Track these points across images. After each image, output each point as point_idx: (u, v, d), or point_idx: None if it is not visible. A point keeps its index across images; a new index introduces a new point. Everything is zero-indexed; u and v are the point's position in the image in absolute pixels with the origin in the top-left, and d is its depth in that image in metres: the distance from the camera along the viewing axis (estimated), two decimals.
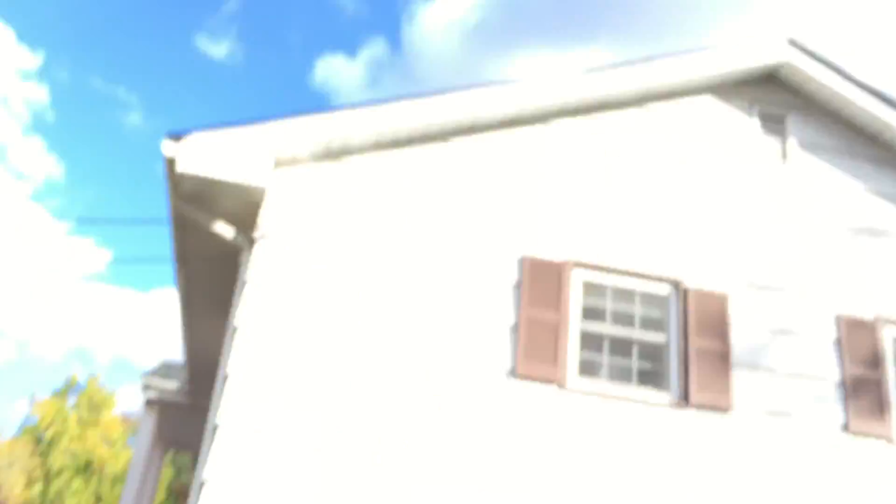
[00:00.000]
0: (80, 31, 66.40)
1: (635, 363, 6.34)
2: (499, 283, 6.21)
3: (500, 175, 6.61)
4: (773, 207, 7.05)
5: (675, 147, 7.08)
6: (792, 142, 7.35)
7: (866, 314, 6.74)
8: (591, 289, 6.42)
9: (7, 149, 62.41)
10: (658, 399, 6.16)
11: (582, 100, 6.94)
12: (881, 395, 6.46)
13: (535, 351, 5.98)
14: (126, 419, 34.03)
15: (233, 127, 5.95)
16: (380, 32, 55.20)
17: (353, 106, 6.23)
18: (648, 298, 6.51)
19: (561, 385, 5.96)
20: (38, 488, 31.26)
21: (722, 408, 6.14)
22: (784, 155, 7.30)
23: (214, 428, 5.43)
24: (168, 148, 5.79)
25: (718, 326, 6.41)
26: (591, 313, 6.35)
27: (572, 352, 6.13)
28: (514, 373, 5.92)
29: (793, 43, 7.36)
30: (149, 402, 10.54)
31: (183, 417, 10.32)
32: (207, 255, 6.63)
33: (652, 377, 6.30)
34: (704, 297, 6.48)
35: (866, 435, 6.31)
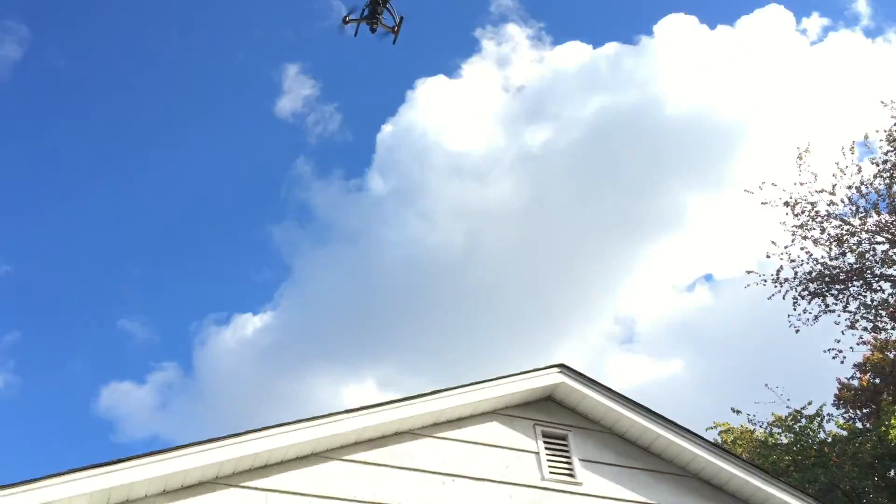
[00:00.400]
0: None
1: None
2: None
3: None
4: None
5: (465, 470, 7.33)
6: (575, 459, 7.84)
7: None
8: None
9: None
10: None
11: (377, 430, 7.15)
12: None
13: None
14: None
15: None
16: (171, 358, 54.92)
17: (134, 457, 6.03)
18: None
19: None
20: None
21: None
22: (571, 472, 7.73)
23: None
24: None
25: None
26: None
27: None
28: None
29: (563, 368, 8.14)
30: None
31: None
32: None
33: None
34: None
35: None
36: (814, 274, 20.70)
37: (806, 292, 20.67)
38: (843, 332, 20.17)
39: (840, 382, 20.60)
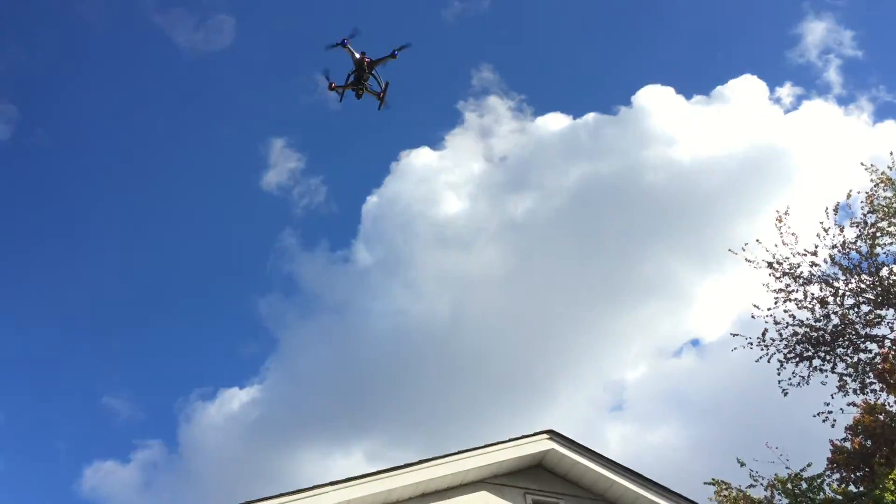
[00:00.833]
0: None
1: None
2: None
3: None
4: None
5: None
6: None
7: None
8: None
9: None
10: None
11: (363, 502, 6.94)
12: None
13: None
14: None
15: None
16: (155, 436, 53.67)
17: None
18: None
19: None
20: None
21: None
22: None
23: None
24: None
25: None
26: None
27: None
28: None
29: (553, 434, 7.99)
30: None
31: None
32: None
33: None
34: None
35: None
36: (799, 336, 20.65)
37: (792, 354, 20.59)
38: (832, 395, 20.02)
39: (833, 445, 20.33)
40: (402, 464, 7.22)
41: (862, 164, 21.03)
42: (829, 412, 19.87)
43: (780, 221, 21.31)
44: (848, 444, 20.07)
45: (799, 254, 21.03)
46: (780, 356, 20.63)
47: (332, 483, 6.82)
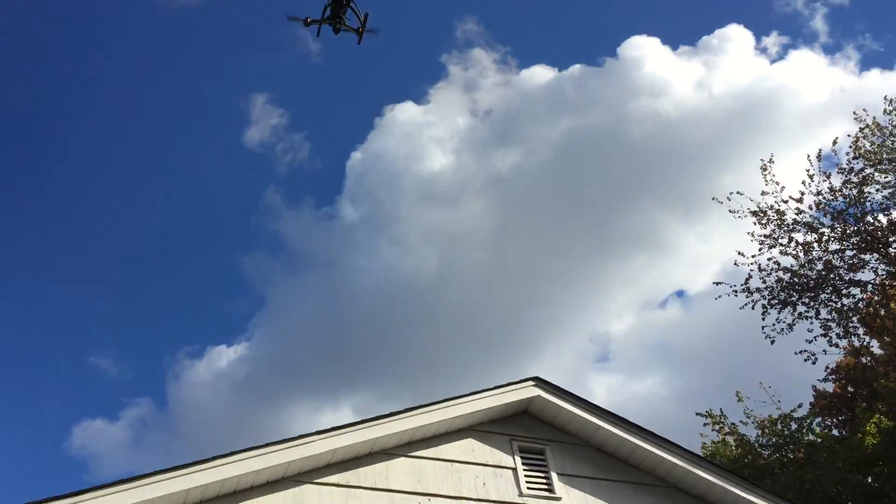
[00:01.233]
0: None
1: None
2: None
3: None
4: None
5: (441, 489, 7.16)
6: (553, 474, 7.69)
7: None
8: None
9: None
10: None
11: (350, 451, 6.97)
12: None
13: None
14: None
15: None
16: (144, 394, 53.84)
17: (96, 487, 5.81)
18: None
19: None
20: None
21: None
22: (549, 487, 7.58)
23: None
24: None
25: None
26: None
27: None
28: None
29: (538, 381, 8.02)
30: None
31: None
32: None
33: None
34: None
35: None
36: (784, 282, 20.79)
37: (776, 301, 20.74)
38: (815, 338, 20.21)
39: (816, 391, 20.64)
40: (388, 412, 7.23)
41: (854, 113, 20.94)
42: (812, 353, 20.10)
43: (766, 170, 21.31)
44: (830, 386, 20.38)
45: (783, 201, 21.07)
46: (765, 302, 20.78)
47: (318, 432, 6.84)
